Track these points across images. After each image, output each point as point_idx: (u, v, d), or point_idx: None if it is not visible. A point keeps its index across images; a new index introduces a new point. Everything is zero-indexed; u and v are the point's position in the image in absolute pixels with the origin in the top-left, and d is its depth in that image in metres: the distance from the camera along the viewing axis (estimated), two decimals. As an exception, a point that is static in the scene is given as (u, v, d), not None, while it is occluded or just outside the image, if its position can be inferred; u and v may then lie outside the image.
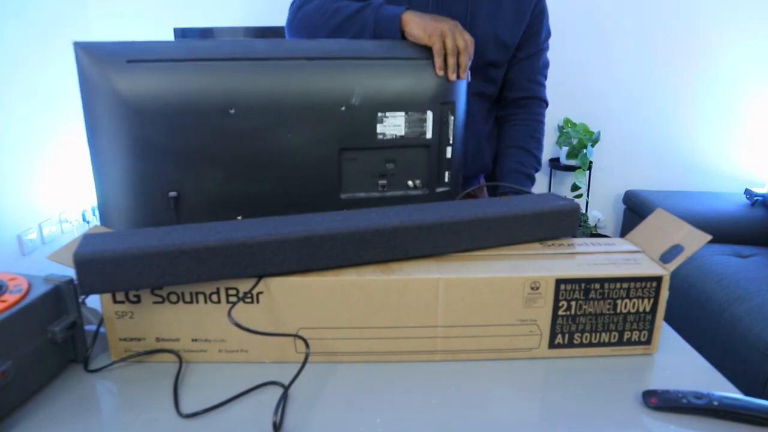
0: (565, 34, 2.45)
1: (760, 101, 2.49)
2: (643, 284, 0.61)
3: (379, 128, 0.76)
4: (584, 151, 2.40)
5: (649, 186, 2.58)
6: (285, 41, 0.78)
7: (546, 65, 1.15)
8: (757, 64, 2.44)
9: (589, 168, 2.47)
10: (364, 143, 0.76)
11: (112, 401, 0.56)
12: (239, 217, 0.75)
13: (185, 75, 0.70)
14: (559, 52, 2.48)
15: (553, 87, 2.61)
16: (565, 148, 2.47)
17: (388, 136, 0.77)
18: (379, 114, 0.75)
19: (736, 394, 0.56)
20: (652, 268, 0.62)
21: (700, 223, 2.07)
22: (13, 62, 1.91)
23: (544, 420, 0.54)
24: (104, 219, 0.76)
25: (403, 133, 0.77)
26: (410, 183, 0.80)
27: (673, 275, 0.61)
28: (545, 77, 1.16)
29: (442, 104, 0.78)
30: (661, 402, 0.55)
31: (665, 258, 0.64)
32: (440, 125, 0.78)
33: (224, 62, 0.71)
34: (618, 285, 0.61)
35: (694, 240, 0.62)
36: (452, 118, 0.79)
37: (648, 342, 0.64)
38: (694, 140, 2.57)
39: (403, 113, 0.76)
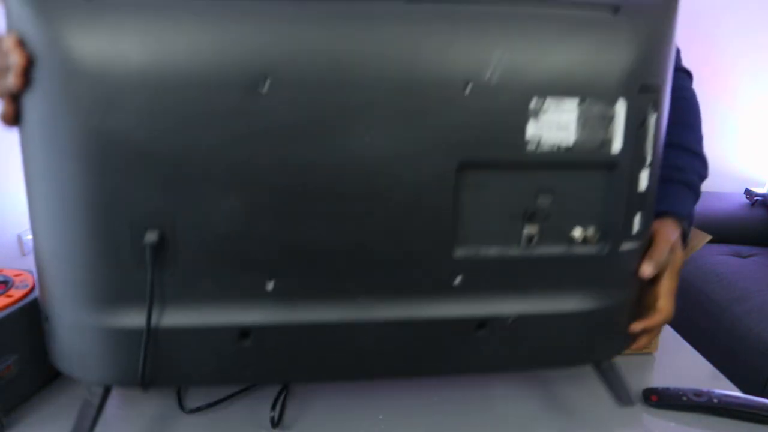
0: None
1: (760, 101, 2.49)
2: (644, 283, 0.61)
3: (530, 129, 0.42)
4: (585, 151, 2.40)
5: (649, 186, 2.57)
6: None
7: None
8: (758, 63, 2.44)
9: (590, 168, 2.46)
10: (502, 156, 0.43)
11: (115, 396, 0.56)
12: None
13: (184, 25, 0.38)
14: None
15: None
16: (566, 148, 2.47)
17: (546, 146, 0.43)
18: (534, 102, 0.41)
19: (735, 392, 0.56)
20: (652, 268, 0.62)
21: (700, 223, 2.06)
22: (14, 60, 1.91)
23: (544, 419, 0.54)
24: (41, 285, 0.45)
25: (572, 142, 0.43)
26: (576, 234, 0.46)
27: (674, 275, 0.61)
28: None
29: (641, 91, 0.43)
30: (661, 400, 0.55)
31: (666, 257, 0.64)
32: (636, 130, 0.44)
33: (251, 2, 0.39)
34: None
35: (695, 240, 0.62)
36: (654, 117, 0.44)
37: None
38: (695, 141, 2.57)
39: (575, 102, 0.42)
